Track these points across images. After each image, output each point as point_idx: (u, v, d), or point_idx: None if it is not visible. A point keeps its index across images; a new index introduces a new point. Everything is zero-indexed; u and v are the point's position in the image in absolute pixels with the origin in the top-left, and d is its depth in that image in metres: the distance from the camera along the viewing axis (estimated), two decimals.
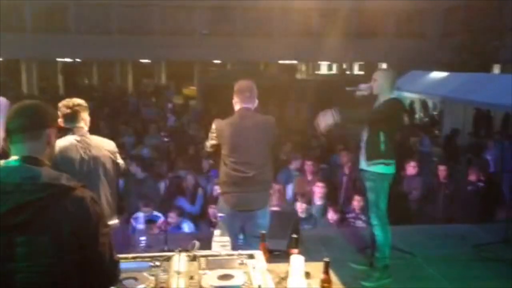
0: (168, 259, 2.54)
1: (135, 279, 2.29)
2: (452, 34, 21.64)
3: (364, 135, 4.35)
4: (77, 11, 23.60)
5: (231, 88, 3.87)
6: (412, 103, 16.62)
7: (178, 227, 5.95)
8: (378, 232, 4.25)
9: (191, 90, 25.57)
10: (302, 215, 6.02)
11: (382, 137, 4.15)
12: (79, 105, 3.43)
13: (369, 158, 4.22)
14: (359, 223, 6.15)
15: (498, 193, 6.99)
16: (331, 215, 6.06)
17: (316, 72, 30.78)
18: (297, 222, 5.23)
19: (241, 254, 2.63)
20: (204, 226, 6.29)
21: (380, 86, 4.27)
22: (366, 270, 4.42)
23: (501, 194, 7.09)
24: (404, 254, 4.93)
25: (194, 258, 2.55)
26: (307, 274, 2.57)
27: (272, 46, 22.88)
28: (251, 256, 2.62)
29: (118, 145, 3.72)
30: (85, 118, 3.44)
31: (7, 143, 1.86)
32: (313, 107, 15.84)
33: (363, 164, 4.30)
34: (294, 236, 2.75)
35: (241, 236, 4.40)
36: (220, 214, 2.85)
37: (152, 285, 2.26)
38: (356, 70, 29.76)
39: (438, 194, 6.84)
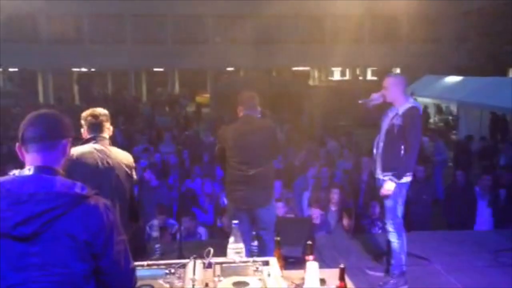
0: (183, 266, 2.55)
1: (151, 286, 2.29)
2: (467, 38, 21.47)
3: (380, 144, 4.29)
4: (92, 21, 23.91)
5: None
6: (425, 107, 16.50)
7: (194, 233, 5.95)
8: (393, 239, 4.22)
9: (204, 97, 25.67)
10: (316, 221, 5.98)
11: (402, 149, 4.08)
12: (104, 115, 3.46)
13: (386, 169, 4.17)
14: (376, 230, 6.09)
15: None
16: (346, 222, 6.02)
17: (329, 78, 30.70)
18: (311, 229, 5.21)
19: (256, 261, 2.63)
20: (218, 233, 6.29)
21: (392, 93, 4.21)
22: (382, 277, 4.38)
23: None
24: (421, 260, 4.88)
25: (209, 265, 2.55)
26: (322, 281, 2.56)
27: (284, 52, 22.91)
28: (266, 263, 2.61)
29: (133, 155, 3.73)
30: (108, 128, 3.47)
31: (20, 150, 1.85)
32: (327, 113, 15.82)
33: (379, 173, 4.26)
34: (309, 242, 2.74)
35: (255, 243, 4.41)
36: (234, 222, 2.85)
37: None
38: (370, 76, 29.62)
39: (453, 199, 6.77)
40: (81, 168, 3.13)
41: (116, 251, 1.78)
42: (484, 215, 6.48)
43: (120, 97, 23.33)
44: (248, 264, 2.60)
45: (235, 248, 2.71)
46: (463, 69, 17.23)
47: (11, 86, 27.31)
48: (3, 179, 1.75)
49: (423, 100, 15.75)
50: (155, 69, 27.21)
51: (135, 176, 3.57)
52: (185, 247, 4.75)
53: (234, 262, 2.61)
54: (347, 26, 20.46)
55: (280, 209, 6.02)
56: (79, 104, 21.53)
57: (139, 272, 2.24)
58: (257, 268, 2.55)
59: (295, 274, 2.71)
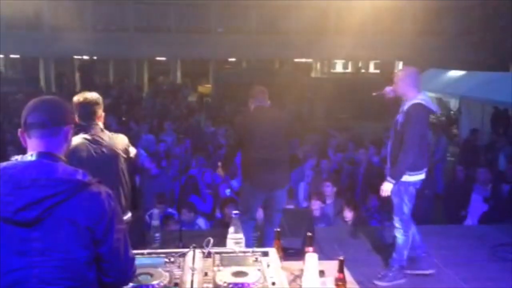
0: (183, 255, 2.55)
1: (150, 274, 2.30)
2: (470, 32, 21.36)
3: (389, 142, 4.27)
4: (94, 9, 23.79)
5: (246, 86, 4.36)
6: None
7: (193, 223, 5.97)
8: (399, 234, 4.23)
9: (206, 87, 25.62)
10: (316, 213, 6.00)
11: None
12: (96, 101, 3.32)
13: (393, 165, 4.13)
14: (374, 223, 6.11)
15: None
16: (347, 214, 6.03)
17: (332, 71, 30.60)
18: (311, 221, 5.21)
19: (255, 252, 2.63)
20: (217, 223, 6.30)
21: (401, 87, 4.15)
22: (381, 269, 4.39)
23: None
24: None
25: (208, 255, 2.56)
26: (322, 273, 2.56)
27: (287, 44, 22.81)
28: (265, 254, 2.62)
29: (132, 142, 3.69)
30: (101, 114, 3.35)
31: (23, 136, 1.84)
32: (328, 105, 15.80)
33: (388, 169, 4.23)
34: (309, 234, 2.74)
35: (256, 234, 4.49)
36: (235, 212, 2.85)
37: (166, 281, 2.27)
38: (372, 69, 29.51)
39: (453, 194, 6.77)
40: (75, 162, 3.07)
41: (115, 239, 1.79)
42: (477, 210, 6.46)
43: (122, 86, 23.28)
44: (248, 254, 2.61)
45: (234, 238, 2.71)
46: (466, 63, 17.15)
47: (13, 73, 27.27)
48: (6, 164, 1.75)
49: (430, 95, 15.68)
50: (157, 58, 27.11)
51: (132, 151, 3.50)
52: (184, 236, 4.76)
53: (233, 252, 2.62)
54: (350, 19, 20.34)
55: None
56: (80, 92, 21.41)
57: (139, 261, 2.25)
58: (256, 258, 2.55)
59: (294, 265, 2.71)
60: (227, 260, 2.52)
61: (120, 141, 3.36)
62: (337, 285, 2.37)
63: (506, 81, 11.77)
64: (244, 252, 2.63)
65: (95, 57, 26.26)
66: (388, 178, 4.10)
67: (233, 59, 27.45)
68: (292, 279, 2.56)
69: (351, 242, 5.28)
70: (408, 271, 4.31)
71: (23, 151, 1.83)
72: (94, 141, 3.21)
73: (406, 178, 4.08)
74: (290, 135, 4.66)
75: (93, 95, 3.37)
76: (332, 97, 16.65)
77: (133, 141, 4.32)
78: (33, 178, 1.69)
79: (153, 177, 7.09)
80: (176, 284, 2.25)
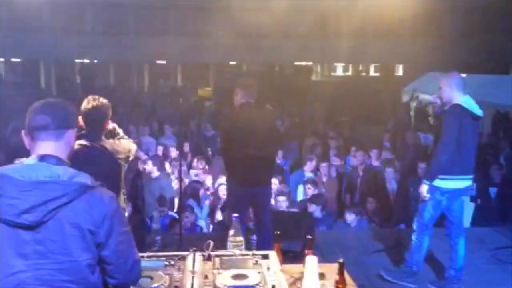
0: (183, 258, 2.56)
1: (150, 277, 2.30)
2: (470, 35, 21.39)
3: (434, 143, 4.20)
4: (94, 12, 23.84)
5: None
6: (426, 104, 16.46)
7: (195, 225, 5.98)
8: (413, 237, 4.18)
9: (206, 91, 25.65)
10: (318, 215, 6.01)
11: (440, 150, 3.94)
12: (106, 107, 3.24)
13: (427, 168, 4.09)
14: (373, 226, 6.12)
15: None
16: (348, 216, 6.04)
17: (332, 74, 30.64)
18: (311, 223, 5.23)
19: (256, 254, 2.64)
20: (218, 226, 6.30)
21: (446, 92, 4.03)
22: (391, 266, 4.37)
23: None
24: None
25: (208, 258, 2.56)
26: (322, 275, 2.56)
27: (287, 47, 22.84)
28: (265, 256, 2.62)
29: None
30: (108, 121, 3.30)
31: (27, 138, 1.84)
32: (329, 108, 15.80)
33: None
34: (309, 237, 2.75)
35: (254, 237, 4.49)
36: (234, 215, 2.85)
37: (166, 284, 2.28)
38: (372, 72, 29.55)
39: None
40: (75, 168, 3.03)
41: (118, 241, 1.80)
42: (466, 211, 6.44)
43: (123, 89, 23.31)
44: (248, 257, 2.61)
45: (234, 241, 2.72)
46: (466, 67, 17.17)
47: (13, 77, 27.30)
48: (9, 167, 1.76)
49: (425, 97, 15.70)
50: (158, 62, 27.15)
51: (131, 155, 3.43)
52: (185, 239, 4.77)
53: (233, 255, 2.62)
54: (350, 22, 20.38)
55: (282, 203, 6.05)
56: (81, 95, 21.48)
57: None
58: (256, 261, 2.56)
59: (294, 268, 2.71)
60: (227, 263, 2.52)
61: (122, 149, 3.30)
62: (337, 287, 2.37)
63: (506, 84, 11.79)
64: (244, 255, 2.64)
65: (95, 61, 26.30)
66: (423, 180, 4.04)
67: (233, 63, 27.49)
68: (292, 282, 2.56)
69: (351, 245, 5.29)
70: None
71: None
72: (95, 149, 3.12)
73: (436, 182, 3.97)
74: (275, 135, 4.60)
75: (103, 102, 3.27)
76: (333, 100, 16.66)
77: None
78: (37, 181, 1.69)
79: (154, 180, 7.10)
80: (176, 287, 2.26)
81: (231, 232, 2.74)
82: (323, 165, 7.41)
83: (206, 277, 2.34)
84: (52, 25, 22.62)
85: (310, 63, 28.27)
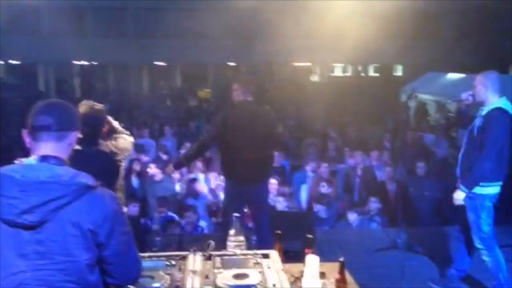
0: (184, 258, 2.56)
1: (151, 277, 2.30)
2: (468, 35, 21.41)
3: (462, 148, 3.97)
4: (93, 14, 23.86)
5: None
6: (424, 104, 16.46)
7: (195, 226, 5.98)
8: (485, 257, 3.88)
9: (206, 92, 25.67)
10: (322, 215, 6.02)
11: (478, 155, 3.72)
12: (103, 113, 3.27)
13: (462, 176, 3.85)
14: (374, 225, 6.12)
15: None
16: (350, 216, 6.05)
17: (331, 74, 30.64)
18: (312, 223, 5.23)
19: (256, 254, 2.64)
20: (218, 226, 6.31)
21: (481, 92, 3.87)
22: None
23: None
24: (421, 256, 4.90)
25: (209, 258, 2.56)
26: (322, 274, 2.57)
27: (286, 48, 22.84)
28: (266, 256, 2.62)
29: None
30: (105, 127, 3.32)
31: (28, 138, 1.83)
32: (328, 109, 15.80)
33: (459, 178, 3.93)
34: (309, 236, 2.75)
35: (254, 237, 4.48)
36: (235, 214, 2.85)
37: (167, 283, 2.28)
38: (371, 72, 29.55)
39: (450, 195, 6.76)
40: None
41: (119, 242, 1.80)
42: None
43: (122, 91, 23.31)
44: (248, 256, 2.61)
45: (235, 241, 2.72)
46: (465, 67, 17.17)
47: (13, 79, 27.27)
48: (10, 167, 1.76)
49: (424, 97, 15.71)
50: (157, 63, 27.15)
51: (128, 138, 3.45)
52: (185, 240, 4.77)
53: (234, 255, 2.62)
54: (349, 23, 20.39)
55: (280, 203, 6.05)
56: (80, 97, 21.48)
57: None
58: (257, 260, 2.56)
59: (295, 267, 2.71)
60: (228, 262, 2.53)
61: (120, 150, 3.28)
62: (337, 286, 2.37)
63: (505, 83, 11.78)
64: (245, 254, 2.64)
65: (94, 63, 26.29)
66: (461, 187, 3.83)
67: (232, 64, 27.49)
68: (293, 281, 2.56)
69: (352, 244, 5.29)
70: None
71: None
72: (91, 154, 3.04)
73: (481, 190, 3.78)
74: (270, 132, 4.46)
75: (98, 107, 3.26)
76: (332, 101, 16.66)
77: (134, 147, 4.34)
78: (38, 181, 1.70)
79: (158, 183, 7.09)
80: (177, 287, 2.26)
81: (232, 231, 2.74)
82: (324, 165, 7.41)
83: (207, 276, 2.34)
84: (51, 27, 22.63)
85: (309, 63, 28.28)
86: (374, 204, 6.15)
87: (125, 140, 3.42)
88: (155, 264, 2.49)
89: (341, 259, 2.43)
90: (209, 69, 26.84)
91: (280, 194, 6.10)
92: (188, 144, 9.38)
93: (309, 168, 7.63)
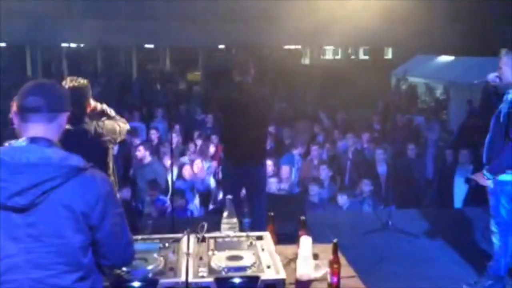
0: (177, 240, 2.56)
1: (145, 260, 2.30)
2: (458, 18, 21.40)
3: (489, 133, 3.85)
4: None
5: None
6: (414, 87, 16.51)
7: (185, 209, 5.98)
8: (495, 240, 3.86)
9: (195, 75, 25.51)
10: (314, 199, 6.03)
11: (503, 140, 3.62)
12: (87, 87, 3.20)
13: (487, 161, 3.77)
14: (366, 207, 6.16)
15: None
16: (340, 199, 6.08)
17: (322, 57, 30.56)
18: (304, 206, 5.25)
19: (250, 236, 2.64)
20: (212, 210, 6.32)
21: (506, 73, 3.75)
22: (474, 277, 4.12)
23: None
24: (411, 238, 4.95)
25: (203, 240, 2.56)
26: (315, 256, 2.58)
27: (276, 31, 22.69)
28: (259, 238, 2.63)
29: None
30: (90, 102, 3.24)
31: (16, 120, 1.79)
32: (318, 92, 15.80)
33: (485, 164, 3.85)
34: (302, 218, 2.75)
35: (247, 219, 4.46)
36: (228, 196, 2.85)
37: (161, 266, 2.27)
38: (362, 55, 29.52)
39: (442, 178, 6.83)
40: None
41: (112, 223, 1.79)
42: (460, 192, 6.46)
43: (110, 74, 23.08)
44: (242, 238, 2.62)
45: (229, 223, 2.72)
46: (455, 49, 17.20)
47: None
48: (0, 149, 1.73)
49: (414, 80, 15.76)
50: (146, 46, 26.86)
51: (119, 137, 3.38)
52: (177, 223, 4.76)
53: (228, 237, 2.62)
54: (340, 5, 20.27)
55: (273, 184, 6.07)
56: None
57: None
58: (251, 242, 2.57)
59: (288, 249, 2.73)
60: (222, 244, 2.53)
61: (106, 130, 3.22)
62: (331, 267, 2.38)
63: (494, 66, 11.83)
64: (238, 236, 2.64)
65: (82, 45, 25.95)
66: (485, 173, 3.74)
67: (222, 47, 27.28)
68: (287, 263, 2.58)
69: (343, 226, 5.32)
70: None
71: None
72: (76, 132, 2.94)
73: (503, 177, 3.69)
74: (267, 114, 4.56)
75: (82, 82, 3.21)
76: (322, 84, 16.65)
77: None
78: (28, 163, 1.67)
79: (146, 166, 7.06)
80: (171, 269, 2.25)
81: (225, 213, 2.74)
82: (314, 147, 7.42)
83: (201, 258, 2.35)
84: (37, 9, 22.25)
85: (299, 46, 28.15)
86: (366, 187, 6.18)
87: (114, 123, 3.36)
88: (148, 247, 2.48)
89: (335, 240, 2.44)
90: (199, 53, 26.60)
91: (274, 175, 6.10)
92: (177, 127, 9.38)
93: (297, 151, 7.64)
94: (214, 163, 7.44)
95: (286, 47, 26.87)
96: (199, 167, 7.08)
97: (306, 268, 2.45)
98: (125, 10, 24.06)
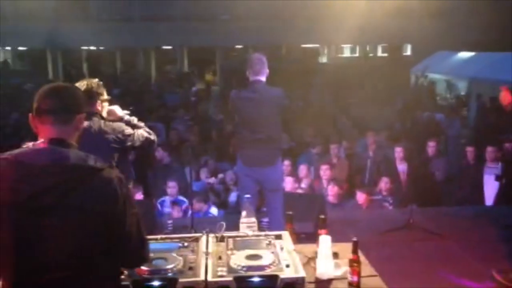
0: (197, 240, 2.56)
1: (165, 259, 2.30)
2: (479, 12, 21.04)
3: None
4: None
5: None
6: (433, 83, 16.29)
7: (206, 212, 5.99)
8: None
9: (213, 75, 25.61)
10: (334, 200, 5.98)
11: None
12: (95, 88, 3.33)
13: None
14: (386, 205, 6.10)
15: None
16: (359, 197, 6.02)
17: (339, 55, 30.36)
18: (323, 205, 5.22)
19: (268, 235, 2.63)
20: (229, 211, 6.32)
21: None
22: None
23: None
24: (434, 236, 4.88)
25: (222, 239, 2.56)
26: (335, 255, 2.56)
27: (293, 29, 22.63)
28: (278, 237, 2.61)
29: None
30: (99, 103, 3.36)
31: (34, 122, 1.83)
32: (336, 90, 15.70)
33: None
34: (322, 216, 2.73)
35: (266, 219, 4.47)
36: (246, 196, 2.84)
37: (181, 265, 2.28)
38: (380, 52, 29.24)
39: (465, 175, 6.72)
40: None
41: (129, 224, 1.79)
42: (491, 190, 6.36)
43: (129, 76, 23.29)
44: (261, 238, 2.61)
45: (247, 222, 2.71)
46: (476, 44, 16.91)
47: (21, 65, 27.35)
48: (18, 151, 1.75)
49: (434, 77, 15.55)
50: (164, 47, 27.06)
51: (128, 142, 3.38)
52: (196, 222, 4.78)
53: (246, 236, 2.62)
54: (356, 3, 20.11)
55: (289, 184, 6.04)
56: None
57: (153, 246, 2.27)
58: (269, 241, 2.55)
59: (307, 247, 2.71)
60: (241, 243, 2.52)
61: (110, 129, 3.29)
62: (351, 266, 2.36)
63: None
64: (257, 235, 2.63)
65: (102, 48, 26.25)
66: None
67: (239, 46, 27.32)
68: (306, 262, 2.56)
69: (363, 226, 5.28)
70: None
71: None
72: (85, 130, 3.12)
73: None
74: (277, 113, 4.38)
75: (92, 82, 3.35)
76: (340, 82, 16.53)
77: None
78: (45, 165, 1.68)
79: (166, 166, 7.10)
80: (190, 268, 2.26)
81: (244, 213, 2.73)
82: (333, 146, 7.37)
83: (220, 258, 2.34)
84: (57, 13, 22.59)
85: (317, 45, 28.03)
86: (386, 185, 6.12)
87: (121, 125, 3.38)
88: (168, 246, 2.49)
89: (355, 239, 2.41)
90: (216, 53, 26.69)
91: (292, 174, 6.08)
92: (196, 127, 9.42)
93: (315, 150, 7.60)
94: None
95: (303, 45, 26.76)
96: (218, 167, 7.11)
97: (326, 267, 2.43)
98: (143, 12, 24.28)
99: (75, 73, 24.71)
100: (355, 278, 2.35)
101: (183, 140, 8.60)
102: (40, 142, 1.77)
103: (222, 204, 6.61)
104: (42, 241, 1.68)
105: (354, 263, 2.35)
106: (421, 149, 7.31)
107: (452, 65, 15.50)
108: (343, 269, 2.46)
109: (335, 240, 2.57)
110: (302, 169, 6.78)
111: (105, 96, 3.45)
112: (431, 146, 7.11)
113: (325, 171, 6.53)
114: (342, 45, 29.99)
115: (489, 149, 6.52)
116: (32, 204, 1.65)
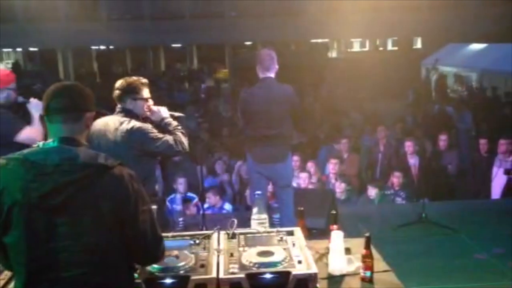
0: (208, 237, 2.56)
1: (176, 256, 2.30)
2: (491, 4, 20.77)
3: None
4: None
5: None
6: (444, 76, 16.13)
7: (220, 208, 5.99)
8: None
9: (223, 72, 25.59)
10: (341, 196, 5.96)
11: None
12: (119, 88, 3.47)
13: None
14: (399, 200, 6.05)
15: None
16: (371, 192, 5.98)
17: (349, 50, 30.20)
18: (334, 200, 5.20)
19: (280, 231, 2.62)
20: (241, 207, 6.32)
21: None
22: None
23: None
24: (446, 230, 4.84)
25: (233, 236, 2.55)
26: (348, 250, 2.55)
27: (302, 25, 22.54)
28: (290, 233, 2.60)
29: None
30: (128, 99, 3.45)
31: (43, 121, 1.86)
32: (347, 85, 15.62)
33: None
34: (333, 212, 2.72)
35: (277, 215, 4.47)
36: (257, 192, 2.83)
37: (192, 262, 2.27)
38: (390, 46, 29.03)
39: (477, 168, 6.64)
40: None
41: (142, 220, 1.79)
42: (499, 183, 6.29)
43: (139, 74, 23.37)
44: (272, 234, 2.59)
45: (258, 219, 2.70)
46: (489, 36, 16.70)
47: (32, 65, 27.58)
48: (28, 151, 1.76)
49: (445, 69, 15.40)
50: (173, 45, 27.10)
51: (150, 146, 3.35)
52: (207, 219, 4.78)
53: (258, 233, 2.61)
54: None
55: (303, 179, 6.02)
56: (99, 82, 21.68)
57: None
58: (281, 238, 2.54)
59: (319, 243, 2.70)
60: (252, 240, 2.51)
61: (137, 130, 3.29)
62: (364, 261, 2.34)
63: None
64: (269, 232, 2.62)
65: (111, 47, 26.37)
66: None
67: (248, 43, 27.29)
68: (318, 258, 2.55)
69: (375, 221, 5.25)
70: None
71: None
72: (110, 125, 3.25)
73: None
74: (293, 111, 4.35)
75: (126, 79, 3.53)
76: (350, 77, 16.44)
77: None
78: (56, 164, 1.69)
79: (177, 163, 7.11)
80: (202, 266, 2.25)
81: (255, 210, 2.72)
82: (344, 141, 7.34)
83: (231, 255, 2.34)
84: (67, 13, 22.73)
85: (326, 40, 27.89)
86: (398, 179, 6.08)
87: (141, 134, 3.36)
88: (179, 244, 2.49)
89: (367, 234, 2.39)
90: (226, 49, 26.68)
91: (303, 170, 6.05)
92: (206, 124, 9.43)
93: (326, 145, 7.57)
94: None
95: (313, 40, 26.65)
96: (228, 165, 7.10)
97: (338, 263, 2.42)
98: (151, 11, 24.33)
99: (85, 73, 24.88)
100: (368, 274, 2.33)
101: (194, 137, 8.60)
102: (51, 140, 1.78)
103: (235, 199, 6.61)
104: (55, 239, 1.69)
105: (367, 259, 2.33)
106: (433, 142, 7.26)
107: (463, 57, 15.34)
108: (356, 264, 2.45)
109: (347, 235, 2.56)
110: (311, 166, 6.75)
111: (141, 95, 3.50)
112: (442, 140, 7.05)
113: (334, 166, 6.50)
114: (352, 40, 29.82)
115: (502, 141, 6.44)
116: (44, 203, 1.66)
